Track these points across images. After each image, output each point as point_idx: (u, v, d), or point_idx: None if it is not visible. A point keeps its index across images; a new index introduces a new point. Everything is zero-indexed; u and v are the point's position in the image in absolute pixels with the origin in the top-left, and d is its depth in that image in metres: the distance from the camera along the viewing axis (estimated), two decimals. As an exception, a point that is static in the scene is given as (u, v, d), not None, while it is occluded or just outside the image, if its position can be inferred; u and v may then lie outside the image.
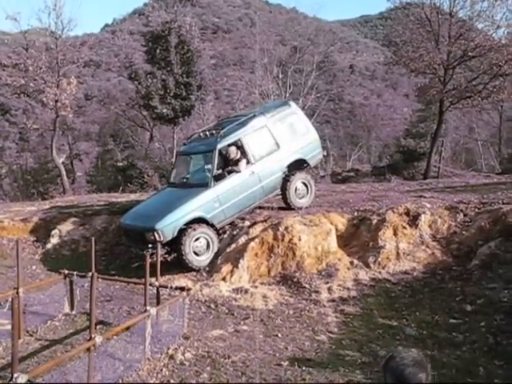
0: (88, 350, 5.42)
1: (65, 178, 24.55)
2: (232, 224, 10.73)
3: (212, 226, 10.05)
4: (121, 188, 24.12)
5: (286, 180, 10.89)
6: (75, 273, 8.24)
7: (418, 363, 2.51)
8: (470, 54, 20.02)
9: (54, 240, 12.05)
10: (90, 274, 7.46)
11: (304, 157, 11.21)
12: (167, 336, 7.05)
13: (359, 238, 10.04)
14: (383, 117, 61.04)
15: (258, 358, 6.57)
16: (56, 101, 22.45)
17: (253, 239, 9.92)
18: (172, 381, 5.99)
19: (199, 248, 9.79)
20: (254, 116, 10.97)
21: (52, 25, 23.25)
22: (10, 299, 7.35)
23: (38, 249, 11.99)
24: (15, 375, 4.38)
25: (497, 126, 35.73)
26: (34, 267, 10.89)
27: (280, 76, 30.78)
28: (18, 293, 7.32)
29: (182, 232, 9.63)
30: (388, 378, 2.55)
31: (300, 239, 9.62)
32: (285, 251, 9.60)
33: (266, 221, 10.40)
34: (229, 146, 10.58)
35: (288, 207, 11.01)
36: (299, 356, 6.64)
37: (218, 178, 10.26)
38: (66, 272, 8.30)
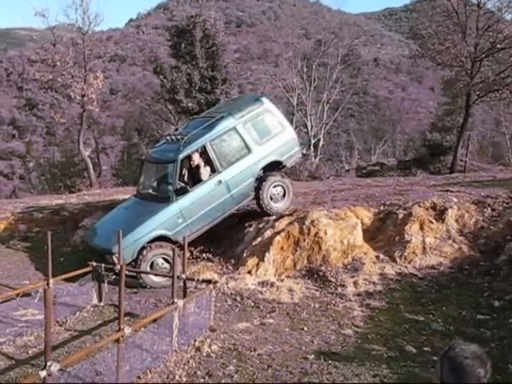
0: (117, 340, 5.51)
1: (91, 171, 24.82)
2: (258, 217, 10.74)
3: (176, 243, 9.29)
4: (146, 181, 24.26)
5: (258, 185, 10.22)
6: (103, 265, 8.35)
7: (478, 357, 2.39)
8: (498, 46, 19.64)
9: (82, 232, 12.19)
10: (118, 266, 7.60)
11: (279, 158, 10.42)
12: (194, 328, 7.11)
13: (385, 233, 9.97)
14: (408, 110, 60.52)
15: (283, 351, 6.60)
16: (83, 95, 22.71)
17: (279, 233, 9.91)
18: (199, 372, 6.04)
19: (158, 268, 9.33)
20: (222, 118, 10.12)
21: (79, 20, 23.54)
22: (40, 290, 7.53)
23: (65, 241, 12.16)
24: (48, 363, 4.49)
25: (525, 120, 35.04)
26: (61, 259, 11.06)
27: (304, 70, 30.70)
28: (48, 284, 7.45)
29: (140, 252, 9.16)
30: (445, 368, 2.42)
31: (326, 233, 9.59)
32: (310, 245, 9.58)
33: (291, 214, 10.38)
34: (192, 153, 9.83)
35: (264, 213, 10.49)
36: (325, 350, 6.64)
37: (181, 192, 9.66)
38: (94, 264, 8.41)
